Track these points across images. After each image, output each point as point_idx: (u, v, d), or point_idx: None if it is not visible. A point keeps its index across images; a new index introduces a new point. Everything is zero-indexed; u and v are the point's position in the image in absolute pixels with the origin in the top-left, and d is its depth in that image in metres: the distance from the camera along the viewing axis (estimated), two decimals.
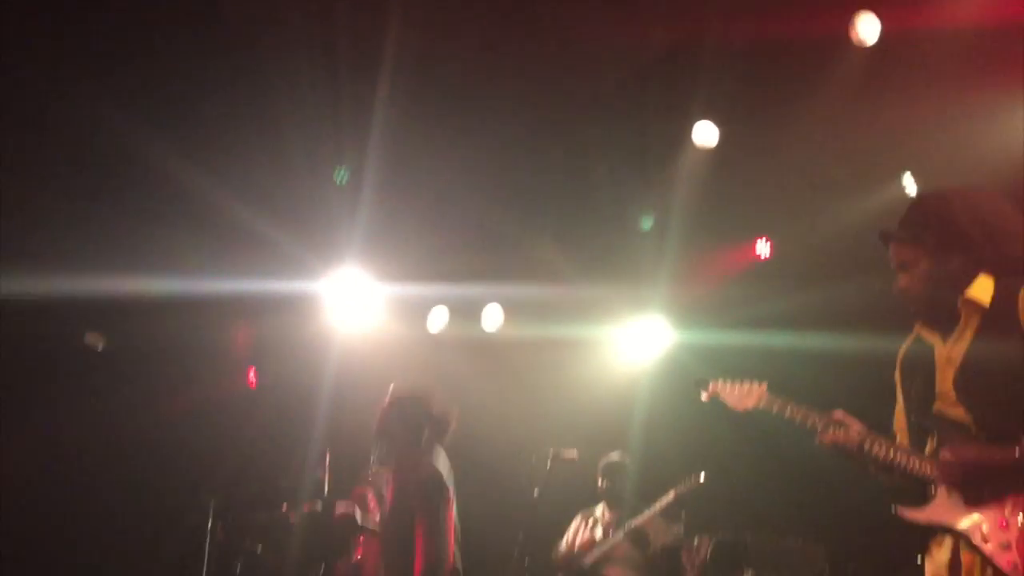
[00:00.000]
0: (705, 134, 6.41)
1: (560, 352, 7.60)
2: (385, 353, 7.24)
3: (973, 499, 2.72)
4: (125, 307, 7.13)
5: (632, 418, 7.17)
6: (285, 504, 6.13)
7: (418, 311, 7.79)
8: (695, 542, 5.01)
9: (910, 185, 6.16)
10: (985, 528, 2.68)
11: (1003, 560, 2.63)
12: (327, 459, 5.90)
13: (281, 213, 6.78)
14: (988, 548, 2.66)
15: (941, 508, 2.78)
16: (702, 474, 5.82)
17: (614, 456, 6.35)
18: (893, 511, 2.84)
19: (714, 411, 3.44)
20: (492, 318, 7.84)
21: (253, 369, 8.00)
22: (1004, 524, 2.65)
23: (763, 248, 7.10)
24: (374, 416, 4.82)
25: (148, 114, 6.06)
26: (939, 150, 5.71)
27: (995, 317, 2.80)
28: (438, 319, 7.82)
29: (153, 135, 6.11)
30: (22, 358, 7.15)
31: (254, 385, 7.98)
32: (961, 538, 2.73)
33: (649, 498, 5.97)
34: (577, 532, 6.31)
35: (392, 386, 4.81)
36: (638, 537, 5.87)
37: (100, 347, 7.78)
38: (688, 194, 6.64)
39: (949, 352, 2.88)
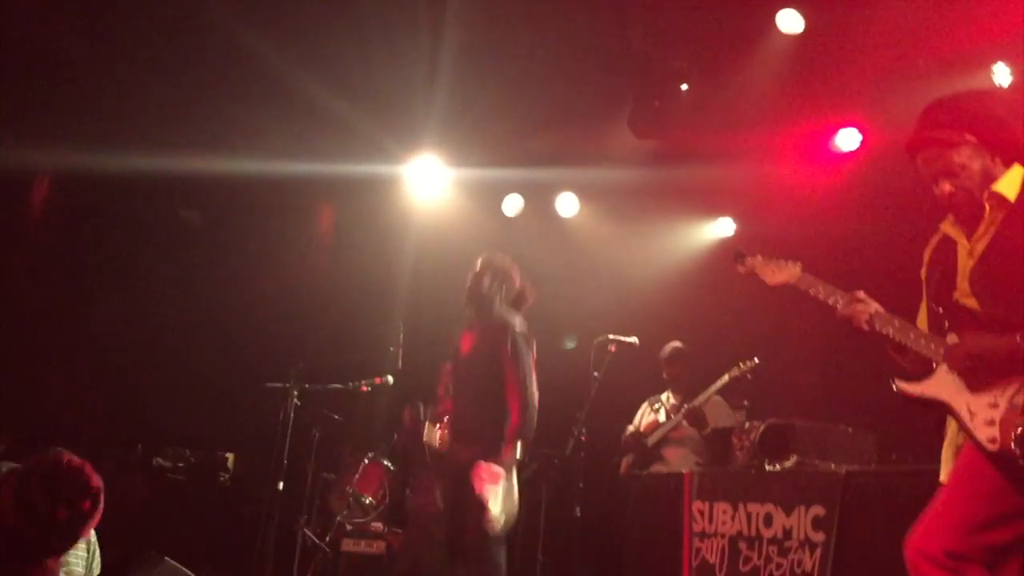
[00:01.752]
0: None
1: (630, 241, 7.68)
2: (461, 236, 7.41)
3: (970, 381, 2.80)
4: (218, 185, 7.45)
5: (694, 307, 7.23)
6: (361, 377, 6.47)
7: (494, 196, 7.91)
8: (746, 425, 5.10)
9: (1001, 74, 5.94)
10: (973, 406, 2.77)
11: (983, 434, 2.72)
12: (401, 335, 6.18)
13: (362, 99, 6.92)
14: (972, 423, 2.76)
15: (936, 384, 2.89)
16: (755, 358, 5.89)
17: (672, 344, 6.44)
18: (892, 384, 2.95)
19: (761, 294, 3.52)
20: (567, 205, 7.93)
21: None
22: (993, 403, 2.73)
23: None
24: (465, 283, 5.15)
25: (242, 4, 6.25)
26: None
27: (1018, 212, 2.81)
28: (514, 204, 7.94)
29: (242, 21, 6.29)
30: (123, 232, 7.58)
31: None
32: (950, 413, 2.82)
33: (710, 382, 6.08)
34: (643, 415, 6.49)
35: (480, 258, 5.17)
36: (696, 418, 6.01)
37: (195, 222, 8.15)
38: None
39: (972, 247, 2.92)
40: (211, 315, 7.67)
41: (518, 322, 5.12)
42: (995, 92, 3.11)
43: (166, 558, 4.81)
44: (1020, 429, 2.62)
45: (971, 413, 2.77)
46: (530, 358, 5.07)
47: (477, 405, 5.01)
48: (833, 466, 4.58)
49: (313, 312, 7.83)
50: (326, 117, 6.82)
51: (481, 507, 4.62)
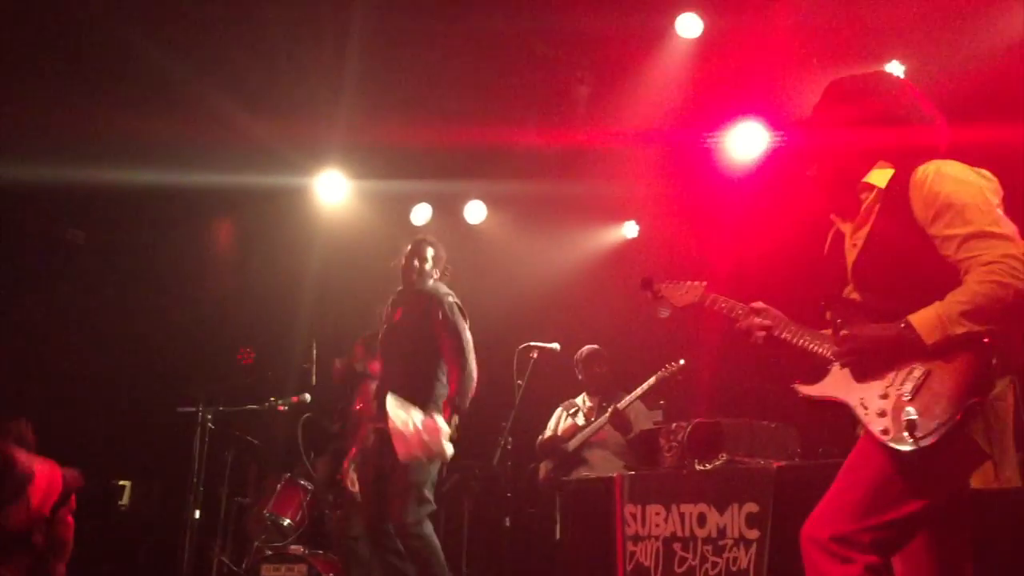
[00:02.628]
0: None
1: (541, 246, 7.69)
2: (369, 248, 7.29)
3: (861, 374, 2.87)
4: (109, 200, 7.12)
5: (607, 310, 7.29)
6: (273, 396, 6.29)
7: (401, 207, 7.82)
8: (672, 426, 5.15)
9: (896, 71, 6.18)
10: (866, 400, 2.84)
11: (875, 426, 2.78)
12: (314, 351, 6.03)
13: (264, 109, 6.75)
14: (866, 416, 2.82)
15: (832, 383, 2.96)
16: (681, 360, 5.97)
17: (588, 347, 6.48)
18: (794, 387, 3.05)
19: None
20: (475, 212, 7.90)
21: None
22: (883, 395, 2.79)
23: None
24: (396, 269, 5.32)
25: (135, 6, 5.98)
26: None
27: (890, 200, 2.90)
28: (422, 214, 7.86)
29: (140, 27, 6.04)
30: (5, 249, 7.16)
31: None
32: (847, 407, 2.90)
33: (629, 387, 6.12)
34: (559, 420, 6.49)
35: (410, 242, 5.42)
36: (620, 422, 6.04)
37: (81, 241, 7.78)
38: None
39: (853, 238, 3.01)
40: (111, 338, 7.33)
41: (452, 296, 5.18)
42: (889, 78, 3.17)
43: None
44: (910, 417, 2.66)
45: (864, 407, 2.83)
46: (465, 327, 5.13)
47: (405, 372, 5.07)
48: (763, 462, 4.66)
49: (218, 330, 7.57)
50: (226, 128, 6.62)
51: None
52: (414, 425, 4.80)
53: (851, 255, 2.99)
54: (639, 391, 6.01)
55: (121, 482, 7.73)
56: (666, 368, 5.92)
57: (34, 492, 2.55)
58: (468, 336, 5.16)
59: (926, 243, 2.78)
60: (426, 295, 5.26)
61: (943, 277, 2.74)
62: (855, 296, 2.98)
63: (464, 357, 5.07)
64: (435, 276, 5.39)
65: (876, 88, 3.06)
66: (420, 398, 4.96)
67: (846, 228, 3.05)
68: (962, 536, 2.85)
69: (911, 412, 2.67)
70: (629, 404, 6.03)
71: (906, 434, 2.67)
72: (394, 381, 5.04)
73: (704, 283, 3.41)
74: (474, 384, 5.08)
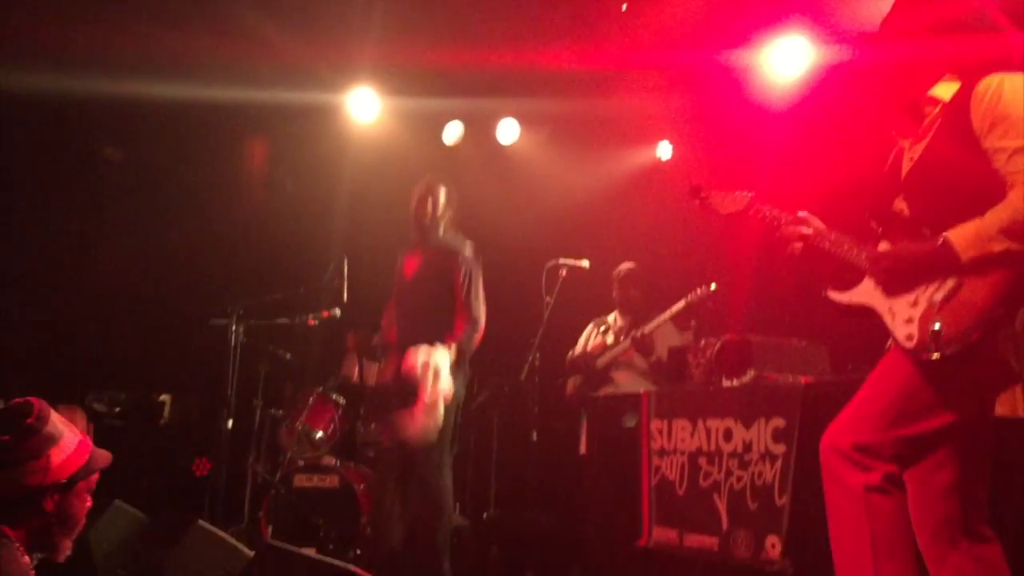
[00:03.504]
0: None
1: (573, 165, 7.63)
2: (400, 165, 7.28)
3: (890, 285, 2.88)
4: (144, 116, 7.14)
5: (639, 229, 7.24)
6: (307, 311, 6.36)
7: (433, 124, 7.77)
8: (702, 343, 5.14)
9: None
10: (895, 307, 2.85)
11: (901, 332, 2.80)
12: (345, 267, 6.06)
13: (295, 25, 6.68)
14: (892, 323, 2.84)
15: (863, 290, 2.98)
16: (712, 284, 5.93)
17: (627, 265, 6.44)
18: (825, 294, 3.09)
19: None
20: (508, 131, 7.83)
21: None
22: (913, 303, 2.80)
23: None
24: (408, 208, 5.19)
25: None
26: None
27: (952, 114, 2.84)
28: (453, 132, 7.80)
29: None
30: (38, 165, 7.22)
31: None
32: (877, 314, 2.91)
33: (661, 307, 6.11)
34: (589, 337, 6.48)
35: (422, 181, 5.27)
36: (644, 346, 6.02)
37: (117, 158, 7.83)
38: None
39: (911, 151, 2.97)
40: (145, 253, 7.42)
41: (467, 247, 5.12)
42: None
43: (116, 500, 4.71)
44: (936, 325, 2.66)
45: (892, 314, 2.85)
46: (480, 283, 5.09)
47: (422, 330, 5.02)
48: (791, 378, 4.65)
49: (251, 246, 7.64)
50: (259, 44, 6.56)
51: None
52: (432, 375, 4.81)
53: (906, 167, 2.96)
54: (666, 315, 5.97)
55: (162, 397, 7.88)
56: (696, 292, 5.88)
57: (56, 453, 2.59)
58: (480, 292, 5.12)
59: (980, 157, 2.73)
60: (443, 250, 5.14)
61: (992, 193, 2.70)
62: (904, 208, 2.95)
63: (476, 315, 5.04)
64: (448, 218, 5.22)
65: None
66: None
67: (906, 144, 3.02)
68: (980, 460, 2.83)
69: (937, 320, 2.66)
70: (655, 328, 6.00)
71: (931, 342, 2.66)
72: (411, 339, 4.99)
73: (752, 193, 3.40)
74: (479, 336, 5.08)
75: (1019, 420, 3.26)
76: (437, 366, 4.81)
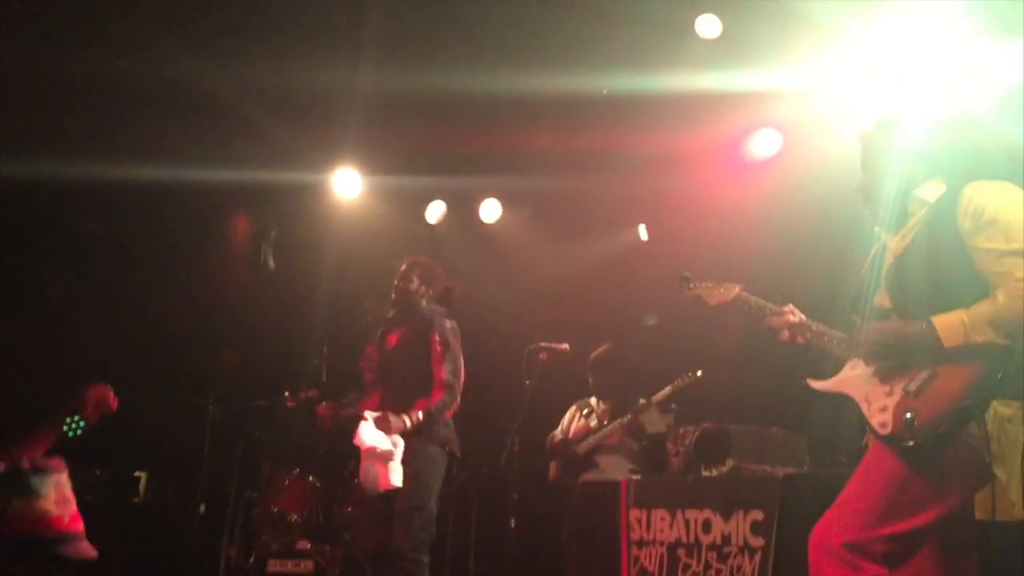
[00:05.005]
0: None
1: (556, 246, 7.66)
2: (384, 245, 7.30)
3: (878, 353, 2.95)
4: (126, 195, 7.16)
5: (619, 313, 7.25)
6: (285, 392, 6.32)
7: (416, 204, 7.81)
8: (680, 431, 5.12)
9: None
10: (872, 395, 2.92)
11: (875, 420, 2.87)
12: (325, 348, 6.05)
13: (278, 105, 6.75)
14: (868, 411, 2.91)
15: (841, 379, 3.07)
16: (699, 371, 5.93)
17: (600, 350, 6.42)
18: (805, 382, 3.17)
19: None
20: (490, 211, 7.87)
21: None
22: (889, 392, 2.86)
23: None
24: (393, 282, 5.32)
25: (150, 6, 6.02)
26: None
27: (937, 214, 2.93)
28: (436, 211, 7.85)
29: (156, 26, 6.07)
30: (22, 243, 7.21)
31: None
32: (855, 402, 2.98)
33: (642, 391, 6.09)
34: (572, 420, 6.44)
35: (405, 259, 5.41)
36: (634, 428, 5.98)
37: (99, 234, 7.82)
38: None
39: (895, 247, 3.04)
40: (122, 330, 7.37)
41: (447, 320, 5.18)
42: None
43: None
44: (909, 414, 2.72)
45: (868, 402, 2.92)
46: (459, 354, 5.15)
47: (403, 400, 5.06)
48: (769, 469, 4.62)
49: (231, 325, 7.60)
50: (240, 124, 6.62)
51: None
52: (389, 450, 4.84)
53: (888, 261, 3.04)
54: (654, 400, 5.97)
55: (137, 473, 7.77)
56: (683, 378, 5.89)
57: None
58: (461, 364, 5.20)
59: (964, 256, 2.82)
60: (423, 320, 5.24)
61: (974, 291, 2.79)
62: (885, 302, 3.01)
63: (452, 385, 5.10)
64: (428, 295, 5.36)
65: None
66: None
67: (888, 239, 3.09)
68: (967, 561, 2.88)
69: (910, 409, 2.72)
70: (644, 411, 5.97)
71: (904, 430, 2.73)
72: (391, 408, 5.04)
73: (739, 285, 3.51)
74: (454, 407, 5.14)
75: (998, 524, 3.25)
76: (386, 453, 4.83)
